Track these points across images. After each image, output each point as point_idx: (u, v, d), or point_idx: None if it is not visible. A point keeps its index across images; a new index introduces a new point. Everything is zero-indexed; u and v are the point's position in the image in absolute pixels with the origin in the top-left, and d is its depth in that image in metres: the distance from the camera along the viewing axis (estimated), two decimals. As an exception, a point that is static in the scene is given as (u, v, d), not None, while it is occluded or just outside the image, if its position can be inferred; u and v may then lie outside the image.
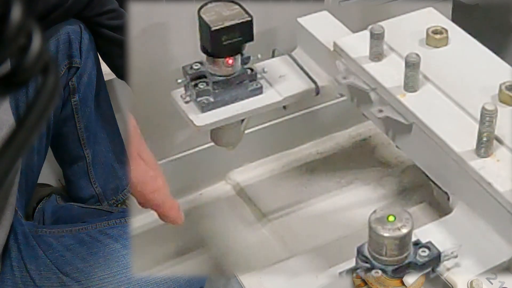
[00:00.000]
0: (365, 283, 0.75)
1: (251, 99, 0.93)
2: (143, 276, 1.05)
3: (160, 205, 0.86)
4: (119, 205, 1.35)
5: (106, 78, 1.31)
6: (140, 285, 1.04)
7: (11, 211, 1.05)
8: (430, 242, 0.74)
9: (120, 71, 1.24)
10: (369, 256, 0.72)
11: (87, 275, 1.05)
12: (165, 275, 1.06)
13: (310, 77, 0.97)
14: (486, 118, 0.76)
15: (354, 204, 1.23)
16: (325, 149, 1.33)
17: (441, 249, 0.73)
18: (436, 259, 0.73)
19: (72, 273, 1.05)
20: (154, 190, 0.85)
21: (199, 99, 0.90)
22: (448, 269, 0.74)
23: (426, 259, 0.72)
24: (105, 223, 1.09)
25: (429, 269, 0.73)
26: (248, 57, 0.91)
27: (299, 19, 1.02)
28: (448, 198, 0.84)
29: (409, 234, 0.71)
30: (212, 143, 0.98)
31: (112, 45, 1.23)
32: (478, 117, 0.77)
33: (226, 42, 0.86)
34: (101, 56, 1.27)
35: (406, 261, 0.72)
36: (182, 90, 0.93)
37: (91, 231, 1.09)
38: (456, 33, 0.96)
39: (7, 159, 0.35)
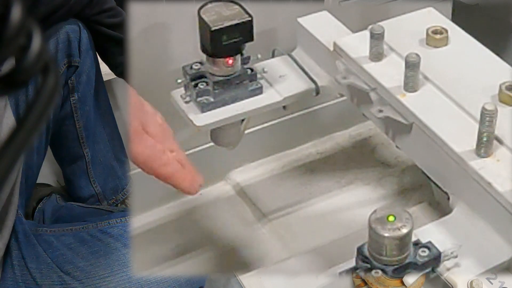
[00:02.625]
0: (365, 283, 0.75)
1: (251, 99, 0.93)
2: (143, 275, 1.05)
3: (170, 178, 0.80)
4: (119, 204, 1.35)
5: (105, 78, 1.31)
6: (141, 284, 1.04)
7: (13, 211, 1.05)
8: (430, 242, 0.74)
9: (119, 69, 1.24)
10: (369, 256, 0.72)
11: (88, 274, 1.05)
12: (165, 274, 1.06)
13: (310, 77, 0.97)
14: (486, 118, 0.76)
15: (354, 204, 1.23)
16: (325, 149, 1.33)
17: (441, 249, 0.73)
18: (436, 259, 0.73)
19: (73, 272, 1.05)
20: (162, 165, 0.79)
21: (199, 99, 0.90)
22: (448, 269, 0.74)
23: (426, 259, 0.72)
24: (106, 223, 1.09)
25: (429, 269, 0.73)
26: (248, 57, 0.91)
27: (299, 19, 1.02)
28: (448, 198, 0.84)
29: (409, 234, 0.71)
30: (212, 143, 0.98)
31: (111, 43, 1.23)
32: (478, 117, 0.77)
33: (226, 42, 0.86)
34: (99, 55, 1.27)
35: (406, 261, 0.72)
36: (182, 90, 0.93)
37: (92, 230, 1.09)
38: (456, 33, 0.96)
39: (7, 159, 0.35)
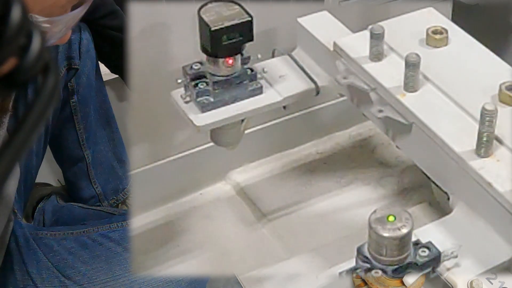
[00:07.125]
0: (365, 283, 0.75)
1: (251, 99, 0.93)
2: (145, 279, 1.05)
3: None
4: (119, 205, 1.35)
5: (105, 78, 1.31)
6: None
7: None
8: (430, 242, 0.74)
9: (118, 70, 1.24)
10: (369, 256, 0.72)
11: (90, 278, 1.05)
12: (167, 277, 1.06)
13: (310, 77, 0.97)
14: (486, 118, 0.76)
15: (354, 204, 1.23)
16: (325, 149, 1.33)
17: (441, 249, 0.73)
18: (436, 259, 0.73)
19: (74, 277, 1.05)
20: None
21: (199, 99, 0.90)
22: (448, 269, 0.74)
23: (426, 259, 0.72)
24: (107, 226, 1.09)
25: (429, 269, 0.73)
26: (248, 57, 0.91)
27: (299, 19, 1.02)
28: (448, 198, 0.84)
29: (409, 234, 0.71)
30: (212, 143, 0.98)
31: (111, 44, 1.23)
32: (478, 117, 0.77)
33: (226, 42, 0.86)
34: (99, 55, 1.27)
35: (406, 261, 0.72)
36: (182, 90, 0.93)
37: (93, 234, 1.09)
38: (456, 33, 0.96)
39: (6, 160, 0.35)
